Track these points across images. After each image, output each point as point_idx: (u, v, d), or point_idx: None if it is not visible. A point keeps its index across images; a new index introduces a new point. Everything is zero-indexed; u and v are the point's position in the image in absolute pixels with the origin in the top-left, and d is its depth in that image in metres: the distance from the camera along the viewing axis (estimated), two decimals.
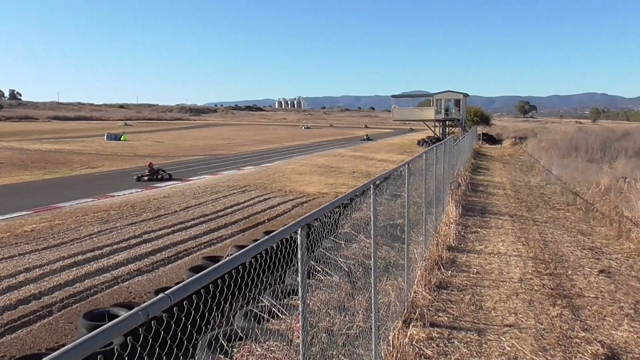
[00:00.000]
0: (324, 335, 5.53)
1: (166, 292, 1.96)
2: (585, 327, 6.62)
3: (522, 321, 6.78)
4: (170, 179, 24.51)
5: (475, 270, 9.09)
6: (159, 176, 24.50)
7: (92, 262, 10.64)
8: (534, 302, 7.53)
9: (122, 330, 1.70)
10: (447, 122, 54.80)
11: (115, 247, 11.82)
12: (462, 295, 7.74)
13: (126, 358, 2.18)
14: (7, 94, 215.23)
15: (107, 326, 1.64)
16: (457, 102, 54.60)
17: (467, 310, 7.15)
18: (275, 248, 4.28)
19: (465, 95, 55.70)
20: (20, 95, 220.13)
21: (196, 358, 5.35)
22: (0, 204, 17.31)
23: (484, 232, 12.17)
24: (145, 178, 24.13)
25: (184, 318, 2.33)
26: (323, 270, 7.44)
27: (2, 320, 7.78)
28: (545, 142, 43.68)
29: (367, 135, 71.40)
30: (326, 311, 6.20)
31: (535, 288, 8.15)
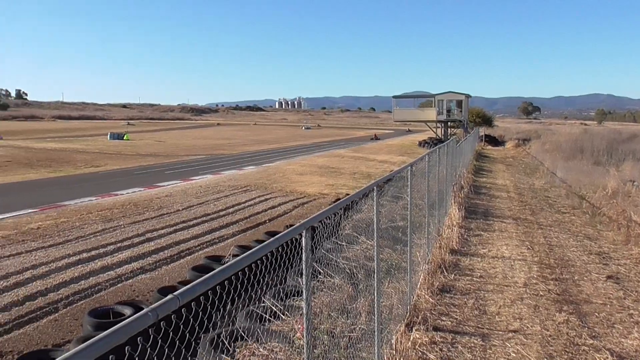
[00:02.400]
0: (325, 337, 5.53)
1: (175, 294, 1.97)
2: (593, 334, 6.51)
3: (527, 327, 6.71)
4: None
5: (479, 274, 9.06)
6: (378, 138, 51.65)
7: (97, 260, 10.66)
8: (540, 307, 7.46)
9: (132, 331, 1.71)
10: (448, 123, 54.72)
11: (118, 245, 11.84)
12: (465, 300, 7.71)
13: (137, 358, 2.19)
14: (13, 94, 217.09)
15: (117, 327, 1.65)
16: (459, 103, 54.54)
17: (471, 314, 7.12)
18: (279, 250, 4.29)
19: (467, 96, 55.61)
20: (26, 95, 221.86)
21: (197, 358, 5.36)
22: (6, 201, 17.35)
23: (488, 235, 12.15)
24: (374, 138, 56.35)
25: (192, 319, 2.34)
26: (324, 272, 7.44)
27: (10, 316, 7.82)
28: (549, 144, 43.54)
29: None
30: (328, 313, 6.20)
31: (541, 293, 8.08)
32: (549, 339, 6.38)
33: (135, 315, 1.77)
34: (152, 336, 1.95)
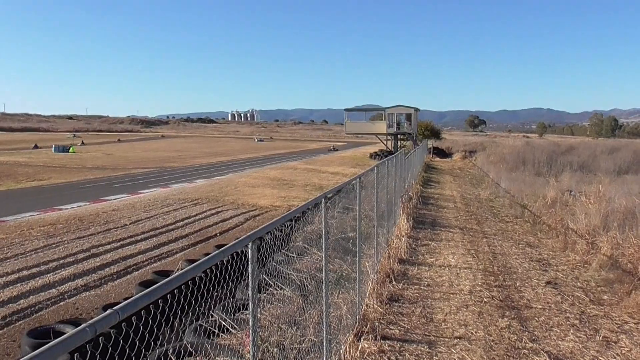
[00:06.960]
0: (275, 349, 5.52)
1: (114, 308, 1.95)
2: (533, 337, 6.80)
3: (471, 333, 6.92)
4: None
5: (426, 282, 9.25)
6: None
7: (37, 278, 10.28)
8: (484, 313, 7.71)
9: (69, 347, 1.68)
10: (398, 135, 55.71)
11: (61, 262, 11.46)
12: (413, 308, 7.85)
13: None
14: None
15: (53, 343, 1.62)
16: (409, 116, 55.62)
17: (418, 322, 7.26)
18: (226, 262, 4.28)
19: (417, 109, 56.80)
20: None
21: None
22: None
23: (435, 244, 12.41)
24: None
25: (132, 334, 2.31)
26: (275, 283, 7.43)
27: None
28: (494, 156, 44.80)
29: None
30: (278, 325, 6.19)
31: (485, 300, 8.34)
32: (492, 343, 6.60)
33: (72, 331, 1.75)
34: (89, 352, 1.93)
